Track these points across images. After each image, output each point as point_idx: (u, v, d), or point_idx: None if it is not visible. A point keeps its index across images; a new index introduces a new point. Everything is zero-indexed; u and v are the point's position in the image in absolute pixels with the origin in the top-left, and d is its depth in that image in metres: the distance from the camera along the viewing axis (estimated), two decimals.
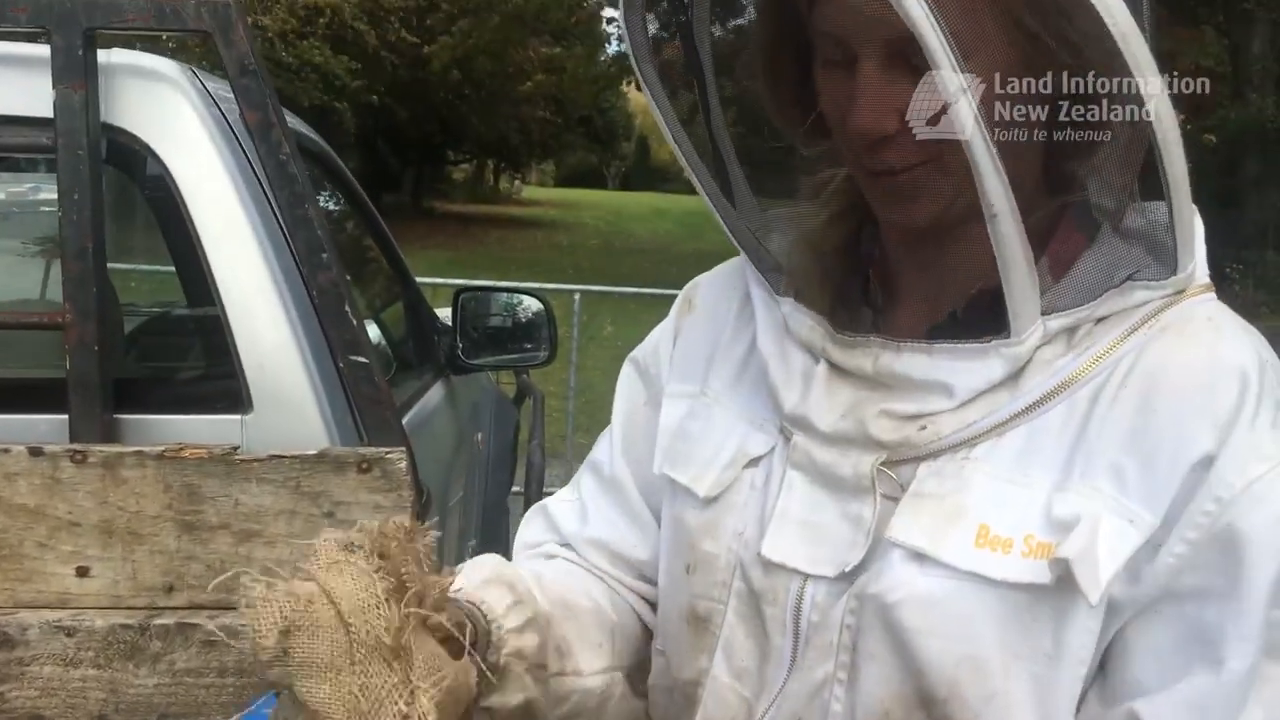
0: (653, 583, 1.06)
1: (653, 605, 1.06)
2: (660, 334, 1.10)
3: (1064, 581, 0.77)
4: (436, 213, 28.23)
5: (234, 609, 1.64)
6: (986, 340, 0.83)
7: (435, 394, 2.73)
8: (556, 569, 1.05)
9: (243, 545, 1.63)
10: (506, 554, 1.07)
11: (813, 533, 0.87)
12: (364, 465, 1.63)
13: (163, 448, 1.61)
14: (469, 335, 2.94)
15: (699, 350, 1.04)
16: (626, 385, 1.11)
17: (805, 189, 0.99)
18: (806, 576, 0.87)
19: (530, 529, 1.13)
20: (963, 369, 0.83)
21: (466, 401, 3.08)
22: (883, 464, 0.85)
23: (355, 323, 1.72)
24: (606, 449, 1.11)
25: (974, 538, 0.79)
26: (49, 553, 1.61)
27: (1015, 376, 0.83)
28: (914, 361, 0.85)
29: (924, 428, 0.84)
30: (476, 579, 0.92)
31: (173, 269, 2.27)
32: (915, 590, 0.81)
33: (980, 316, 0.85)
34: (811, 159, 0.96)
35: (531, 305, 3.08)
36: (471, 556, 1.18)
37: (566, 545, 1.09)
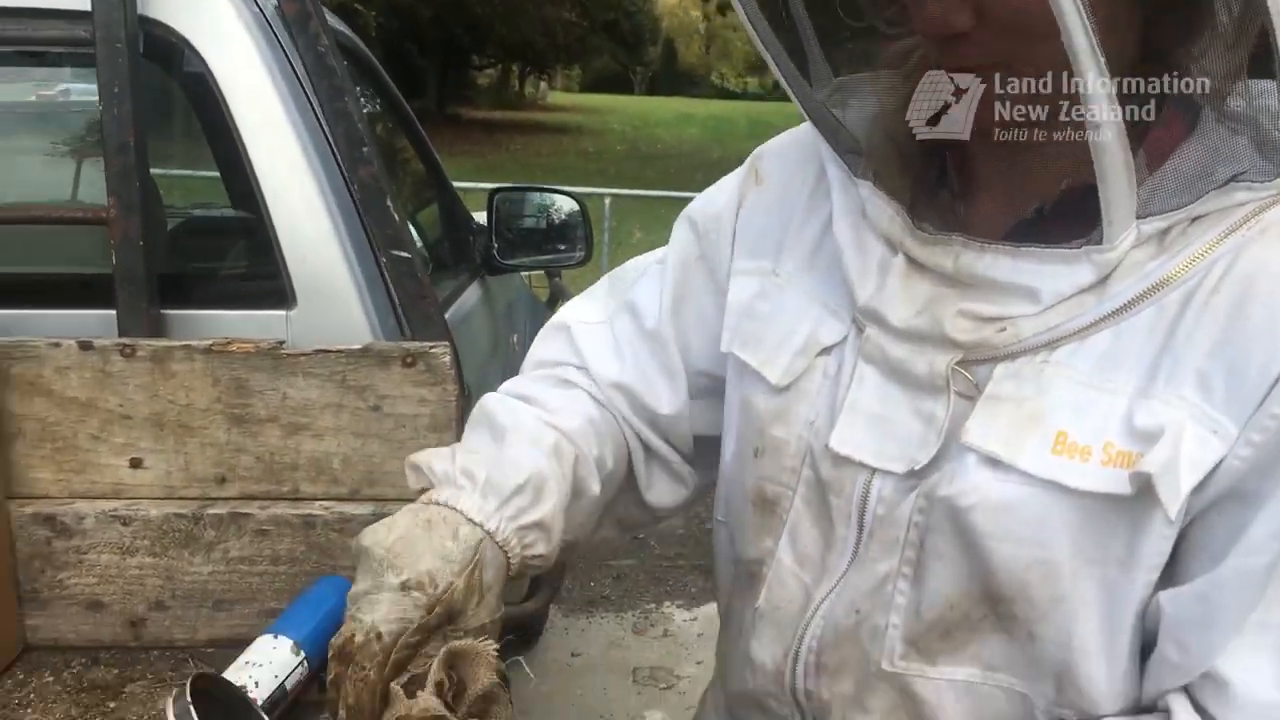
0: (663, 433, 1.06)
1: (648, 449, 1.07)
2: (722, 200, 1.06)
3: (1144, 493, 0.75)
4: (461, 119, 27.96)
5: (286, 500, 1.67)
6: (1076, 245, 0.80)
7: (472, 294, 2.73)
8: (569, 422, 1.01)
9: (291, 438, 1.65)
10: None
11: (882, 427, 0.86)
12: (408, 360, 1.63)
13: (210, 342, 1.62)
14: (504, 236, 2.93)
15: (770, 227, 1.01)
16: (681, 241, 1.08)
17: (885, 61, 0.93)
18: (874, 470, 0.86)
19: (549, 346, 1.11)
20: (1048, 273, 0.80)
21: (502, 302, 3.08)
22: (958, 363, 0.83)
23: (396, 217, 1.71)
24: (654, 300, 1.08)
25: (1051, 444, 0.77)
26: (102, 445, 1.64)
27: (1104, 280, 0.79)
28: (997, 263, 0.82)
29: (1003, 329, 0.82)
30: (509, 484, 0.91)
31: (212, 173, 2.27)
32: (988, 496, 0.79)
33: (1069, 217, 0.81)
34: (891, 33, 0.91)
35: (566, 205, 3.06)
36: None
37: (586, 373, 1.07)
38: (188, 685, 0.78)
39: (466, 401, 1.72)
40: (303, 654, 1.48)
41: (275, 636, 1.49)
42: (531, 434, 0.96)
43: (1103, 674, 0.79)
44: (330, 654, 0.81)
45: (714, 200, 1.07)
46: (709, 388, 1.06)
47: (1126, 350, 0.79)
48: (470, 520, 0.87)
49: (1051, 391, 0.79)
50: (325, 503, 1.67)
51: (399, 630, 0.81)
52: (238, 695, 0.86)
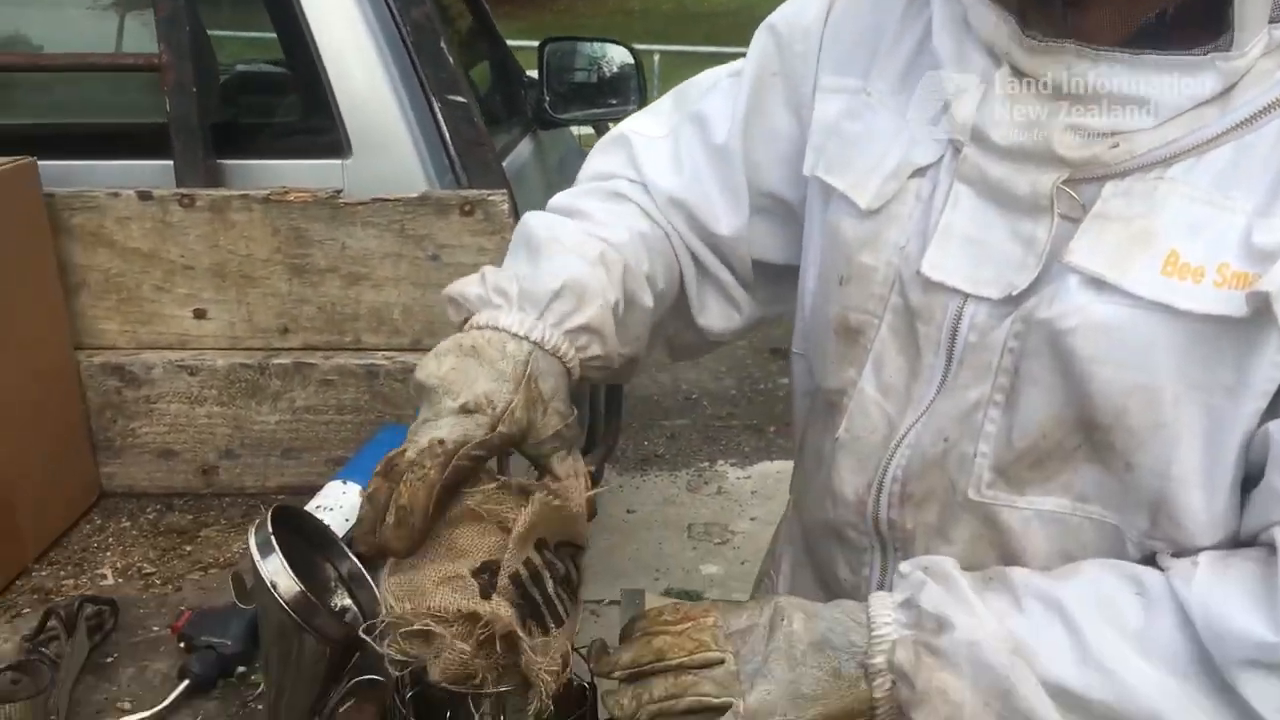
0: (720, 254, 1.02)
1: (702, 269, 1.03)
2: (812, 11, 0.99)
3: (1259, 315, 0.71)
4: None
5: (349, 350, 1.67)
6: (1201, 52, 0.74)
7: (525, 148, 2.69)
8: (617, 235, 0.95)
9: (351, 289, 1.65)
10: None
11: (977, 251, 0.82)
12: (466, 207, 1.61)
13: (268, 191, 1.61)
14: (555, 89, 2.86)
15: (860, 41, 0.94)
16: (760, 52, 1.01)
17: None
18: (967, 296, 0.82)
19: (605, 159, 1.05)
20: (1168, 83, 0.74)
21: (554, 157, 3.03)
22: (1064, 182, 0.78)
23: (451, 61, 1.67)
24: (724, 113, 1.01)
25: (1161, 264, 0.73)
26: (165, 295, 1.64)
27: (1228, 90, 0.74)
28: (1112, 72, 0.76)
29: (1116, 145, 0.76)
30: (545, 289, 0.86)
31: (265, 33, 2.22)
32: (1091, 318, 0.75)
33: (1193, 22, 0.74)
34: None
35: (619, 56, 2.97)
36: None
37: (642, 187, 1.02)
38: (269, 516, 0.78)
39: None
40: None
41: (344, 482, 1.51)
42: (571, 244, 0.91)
43: (1201, 505, 0.76)
44: (375, 469, 0.76)
45: (803, 11, 0.99)
46: (773, 210, 1.01)
47: (1248, 166, 0.73)
48: (514, 335, 0.83)
49: (1164, 210, 0.75)
50: (387, 353, 1.67)
51: (462, 440, 0.78)
52: (318, 526, 0.86)
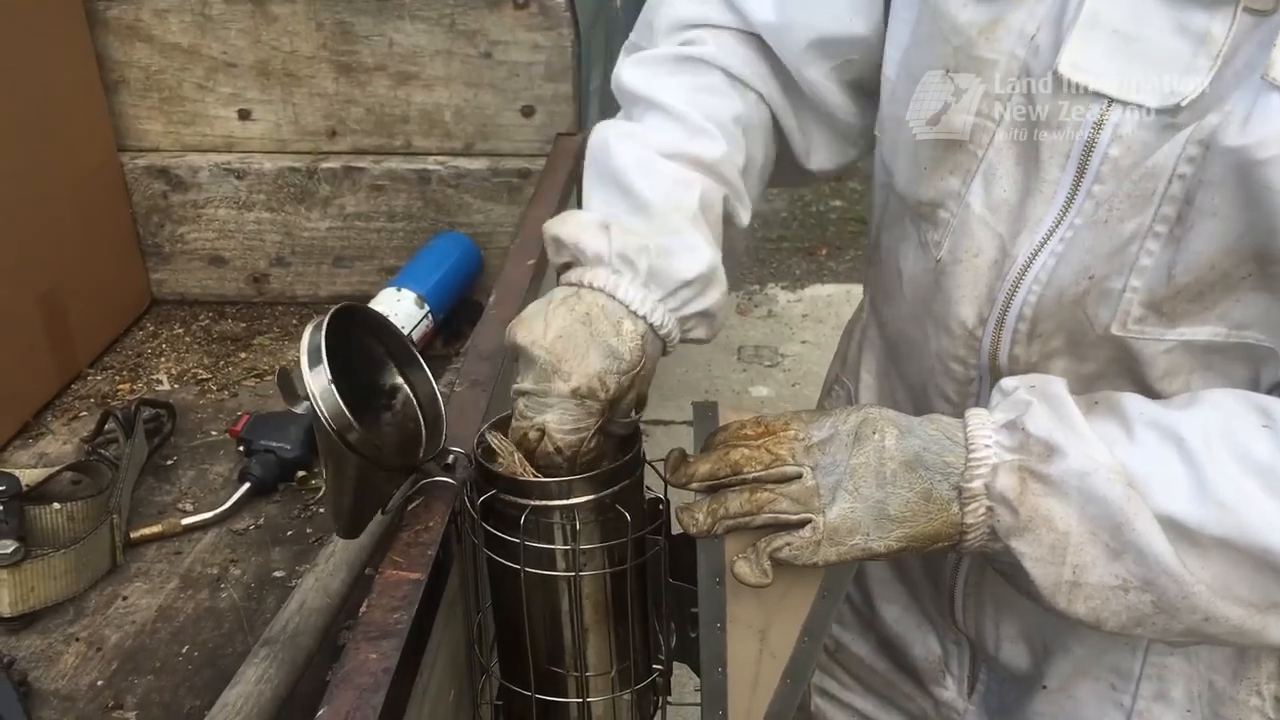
0: (838, 75, 0.91)
1: (802, 112, 0.94)
2: None
3: None
4: None
5: (399, 155, 1.61)
6: None
7: None
8: (712, 149, 0.87)
9: (400, 89, 1.57)
10: None
11: (1130, 47, 0.69)
12: (520, 0, 1.51)
13: None
14: None
15: None
16: None
17: None
18: (1111, 102, 0.70)
19: (690, 3, 0.93)
20: None
21: None
22: None
23: None
24: None
25: None
26: (209, 95, 1.57)
27: None
28: None
29: None
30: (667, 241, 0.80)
31: None
32: None
33: None
34: None
35: None
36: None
37: (733, 36, 0.91)
38: (326, 320, 0.73)
39: (581, 49, 1.60)
40: (427, 307, 1.46)
41: (399, 289, 1.47)
42: (677, 202, 0.83)
43: None
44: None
45: None
46: None
47: None
48: (633, 313, 0.78)
49: None
50: (439, 157, 1.60)
51: (577, 442, 0.76)
52: (382, 322, 0.82)
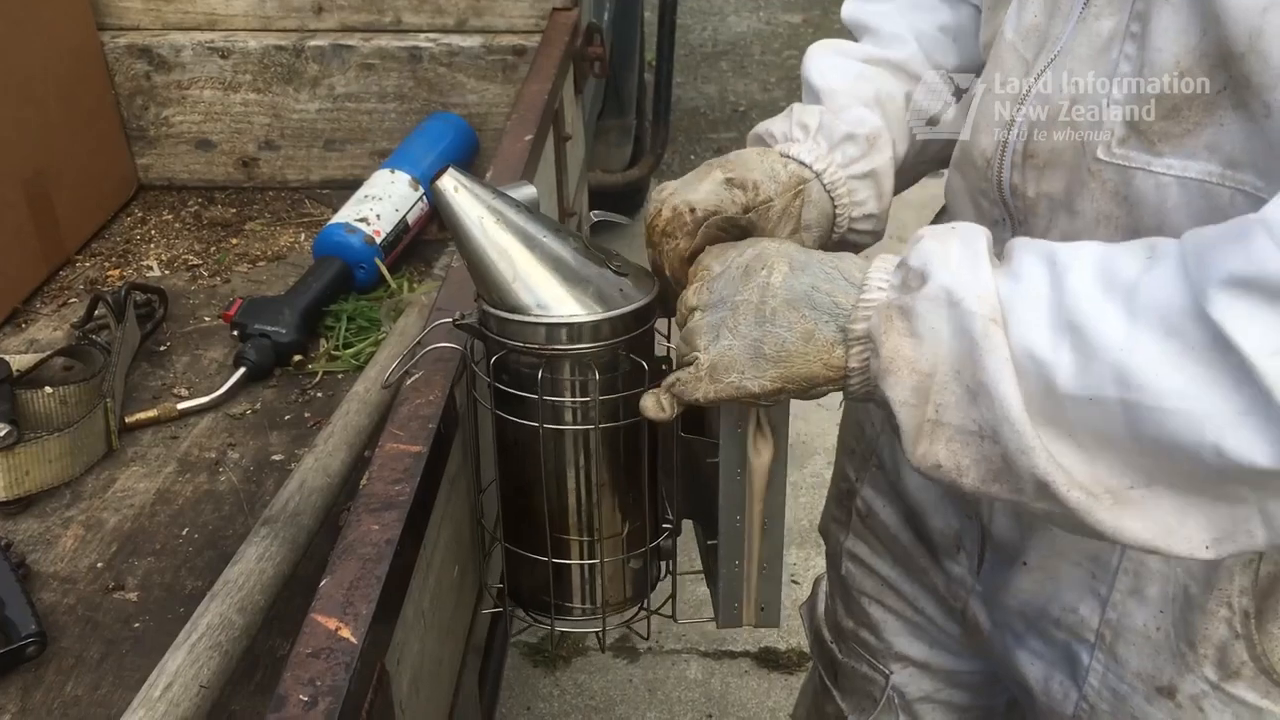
0: None
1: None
2: None
3: None
4: None
5: (389, 32, 1.55)
6: None
7: None
8: (900, 50, 0.93)
9: None
10: None
11: None
12: None
13: None
14: None
15: None
16: None
17: None
18: None
19: None
20: None
21: None
22: None
23: None
24: None
25: None
26: None
27: None
28: None
29: None
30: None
31: None
32: None
33: None
34: None
35: None
36: None
37: None
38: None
39: None
40: (421, 190, 1.42)
41: (392, 171, 1.43)
42: (852, 90, 0.89)
43: None
44: (645, 238, 0.81)
45: None
46: None
47: None
48: (800, 161, 0.83)
49: None
50: (430, 34, 1.55)
51: (713, 207, 0.77)
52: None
